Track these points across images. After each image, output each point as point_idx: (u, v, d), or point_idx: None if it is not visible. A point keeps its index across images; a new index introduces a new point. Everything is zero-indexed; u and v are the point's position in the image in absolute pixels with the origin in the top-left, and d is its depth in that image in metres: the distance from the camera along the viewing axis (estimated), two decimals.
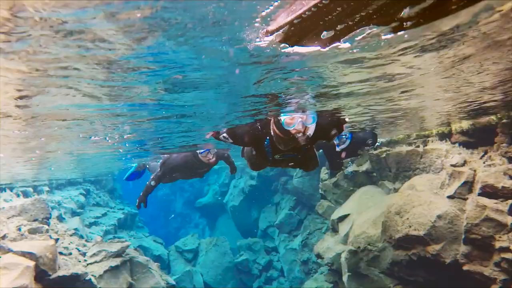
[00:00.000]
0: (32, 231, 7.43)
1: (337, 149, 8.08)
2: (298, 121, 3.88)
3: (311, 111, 5.19)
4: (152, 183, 7.06)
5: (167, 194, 27.84)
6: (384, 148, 9.69)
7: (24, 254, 6.19)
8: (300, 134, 3.94)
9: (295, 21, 1.68)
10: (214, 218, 22.06)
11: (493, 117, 6.73)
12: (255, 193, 18.14)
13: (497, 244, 6.02)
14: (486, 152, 7.02)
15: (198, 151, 7.16)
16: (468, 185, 6.69)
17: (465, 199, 6.70)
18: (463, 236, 6.45)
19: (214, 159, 7.15)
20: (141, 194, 7.01)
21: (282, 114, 4.88)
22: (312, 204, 14.19)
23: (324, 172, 12.26)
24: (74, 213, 11.54)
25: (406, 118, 7.00)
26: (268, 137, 4.40)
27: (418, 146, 8.64)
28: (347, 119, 5.79)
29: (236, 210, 19.07)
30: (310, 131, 3.99)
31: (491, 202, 6.19)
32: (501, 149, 6.60)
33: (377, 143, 8.44)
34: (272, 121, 4.23)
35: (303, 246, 14.50)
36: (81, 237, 9.90)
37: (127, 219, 15.69)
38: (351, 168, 10.79)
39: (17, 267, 5.65)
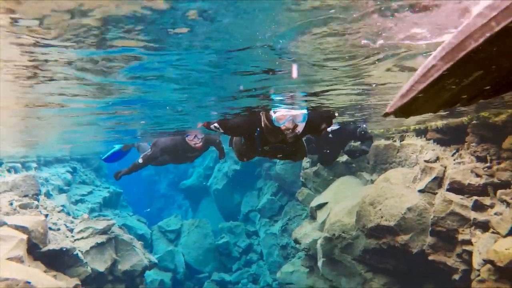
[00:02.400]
0: (23, 206, 7.68)
1: (328, 129, 7.82)
2: (288, 118, 4.04)
3: (302, 107, 5.33)
4: (140, 161, 6.95)
5: (152, 174, 27.98)
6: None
7: (17, 227, 6.46)
8: (290, 131, 4.13)
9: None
10: (197, 200, 22.38)
11: (465, 117, 7.17)
12: (239, 177, 18.45)
13: (460, 237, 6.49)
14: (457, 150, 7.44)
15: (186, 135, 7.14)
16: (438, 181, 7.13)
17: (435, 194, 7.15)
18: (430, 228, 6.95)
19: (200, 144, 7.09)
20: (126, 168, 6.93)
21: (273, 107, 5.12)
22: (293, 191, 14.57)
23: (305, 161, 12.64)
24: (61, 190, 11.72)
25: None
26: (258, 129, 4.54)
27: (395, 141, 9.10)
28: (336, 114, 5.91)
29: (219, 194, 19.39)
30: (300, 128, 4.18)
31: (457, 197, 6.64)
32: (470, 148, 7.03)
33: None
34: (263, 113, 4.40)
35: (282, 231, 14.95)
36: (68, 213, 10.17)
37: (112, 198, 15.90)
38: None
39: (12, 239, 5.94)
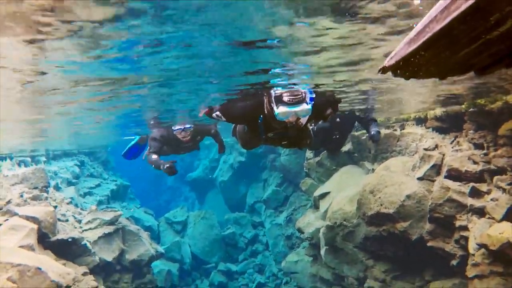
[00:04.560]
0: (33, 198, 7.97)
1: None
2: (291, 114, 3.97)
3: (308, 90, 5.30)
4: (154, 157, 6.58)
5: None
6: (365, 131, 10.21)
7: (28, 218, 6.75)
8: (293, 124, 4.09)
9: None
10: (203, 192, 22.65)
11: (463, 105, 7.25)
12: (244, 169, 18.63)
13: (457, 223, 6.59)
14: (456, 138, 7.54)
15: (172, 127, 7.03)
16: (437, 168, 7.23)
17: (433, 181, 7.25)
18: (428, 215, 7.08)
19: (189, 137, 7.01)
20: (160, 168, 6.22)
21: (275, 88, 4.82)
22: (298, 182, 14.68)
23: (309, 151, 12.78)
24: (69, 183, 12.03)
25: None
26: (261, 115, 4.43)
27: (396, 130, 9.19)
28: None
29: (225, 185, 19.62)
30: (303, 121, 4.14)
31: (454, 184, 6.74)
32: (468, 136, 7.10)
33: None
34: (266, 99, 4.29)
35: (287, 221, 15.14)
36: (76, 205, 10.46)
37: (120, 191, 16.20)
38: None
39: (23, 228, 6.22)
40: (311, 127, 7.32)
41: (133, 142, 8.07)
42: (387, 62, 1.37)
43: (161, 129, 7.30)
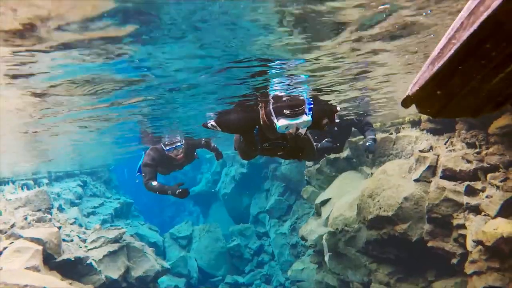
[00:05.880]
0: (37, 220, 8.11)
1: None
2: (292, 126, 3.99)
3: (307, 100, 5.20)
4: (154, 183, 6.72)
5: (161, 183, 28.41)
6: (362, 136, 10.33)
7: (32, 239, 6.87)
8: (292, 135, 4.10)
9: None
10: (207, 205, 22.73)
11: None
12: (246, 180, 18.71)
13: (455, 222, 6.64)
14: (449, 138, 7.67)
15: (163, 147, 6.91)
16: (432, 169, 7.32)
17: (429, 182, 7.33)
18: (426, 216, 7.17)
19: (181, 155, 6.98)
20: (169, 193, 6.50)
21: (271, 92, 4.94)
22: (300, 190, 14.73)
23: None
24: (72, 204, 12.17)
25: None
26: (257, 126, 4.45)
27: (392, 133, 9.32)
28: (338, 108, 5.84)
29: (228, 197, 19.71)
30: (302, 131, 4.15)
31: (450, 184, 6.82)
32: (461, 136, 7.22)
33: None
34: (262, 111, 4.30)
35: (291, 230, 15.18)
36: (80, 225, 10.58)
37: (123, 208, 16.31)
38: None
39: (28, 250, 6.34)
40: (315, 144, 7.44)
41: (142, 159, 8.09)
42: (411, 89, 1.14)
43: (151, 152, 7.12)
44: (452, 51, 1.01)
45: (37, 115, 5.11)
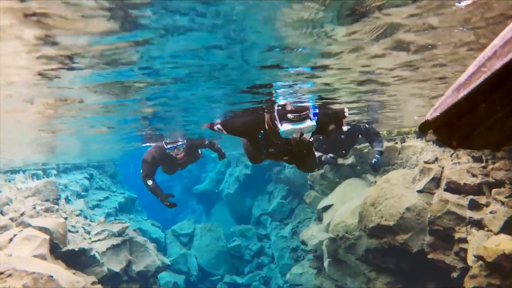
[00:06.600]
0: (45, 210, 8.30)
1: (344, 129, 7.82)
2: (296, 131, 4.00)
3: (312, 106, 5.20)
4: (150, 182, 6.96)
5: (166, 180, 28.55)
6: (367, 144, 10.39)
7: (40, 229, 7.06)
8: (297, 140, 4.13)
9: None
10: (210, 204, 22.82)
11: None
12: (250, 181, 18.75)
13: (457, 235, 6.67)
14: (455, 151, 7.71)
15: (164, 146, 6.94)
16: (436, 181, 7.36)
17: (433, 194, 7.37)
18: (428, 228, 7.20)
19: (182, 154, 6.98)
20: (158, 198, 6.92)
21: (277, 100, 4.99)
22: (303, 194, 14.69)
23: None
24: (79, 196, 12.35)
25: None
26: (262, 130, 4.45)
27: (397, 143, 9.38)
28: (346, 114, 5.78)
29: (231, 198, 19.76)
30: (307, 136, 4.19)
31: (453, 197, 6.86)
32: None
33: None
34: (267, 116, 4.33)
35: (292, 234, 15.20)
36: (86, 217, 10.76)
37: (127, 203, 16.46)
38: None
39: (36, 239, 6.53)
40: (318, 155, 7.49)
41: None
42: (430, 114, 1.08)
43: (152, 150, 7.19)
44: (481, 79, 0.95)
45: (56, 114, 5.26)
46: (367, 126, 8.22)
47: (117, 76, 3.59)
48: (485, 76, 0.94)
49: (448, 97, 1.04)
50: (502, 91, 0.95)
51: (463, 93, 0.99)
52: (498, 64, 0.91)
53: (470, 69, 0.99)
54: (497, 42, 0.94)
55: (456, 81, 1.03)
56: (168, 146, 6.86)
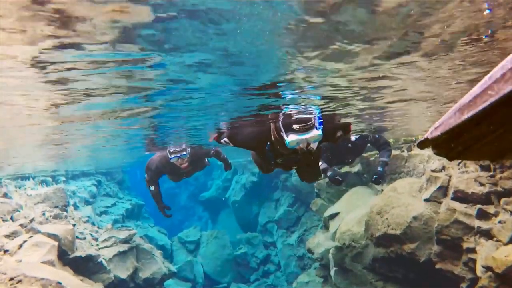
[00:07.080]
0: (54, 217, 8.40)
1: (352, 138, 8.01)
2: (303, 141, 4.00)
3: (317, 116, 5.07)
4: (152, 188, 7.00)
5: (172, 187, 28.64)
6: (374, 152, 10.38)
7: (49, 235, 7.17)
8: (304, 150, 4.12)
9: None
10: (216, 212, 22.82)
11: None
12: (256, 189, 18.75)
13: (465, 245, 6.59)
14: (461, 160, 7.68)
15: (169, 155, 6.82)
16: (443, 190, 7.30)
17: (440, 203, 7.32)
18: (435, 237, 7.14)
19: (186, 164, 6.92)
20: (156, 204, 7.07)
21: (284, 109, 4.92)
22: (309, 202, 14.64)
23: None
24: (87, 202, 12.49)
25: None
26: (269, 142, 4.47)
27: (404, 151, 9.35)
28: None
29: (237, 205, 19.75)
30: (314, 146, 4.18)
31: (461, 206, 6.80)
32: None
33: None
34: (273, 126, 4.35)
35: (299, 242, 15.16)
36: (93, 224, 10.85)
37: (134, 210, 16.57)
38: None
39: (45, 245, 6.63)
40: (323, 167, 7.49)
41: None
42: (431, 133, 1.07)
43: (156, 159, 7.16)
44: (487, 102, 0.93)
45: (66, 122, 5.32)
46: (376, 136, 8.18)
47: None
48: (492, 100, 0.92)
49: (451, 118, 1.03)
50: (506, 111, 0.94)
51: (467, 115, 0.98)
52: (507, 88, 0.89)
53: (475, 90, 0.98)
54: (507, 64, 0.92)
55: (459, 102, 1.02)
56: (172, 156, 6.76)
